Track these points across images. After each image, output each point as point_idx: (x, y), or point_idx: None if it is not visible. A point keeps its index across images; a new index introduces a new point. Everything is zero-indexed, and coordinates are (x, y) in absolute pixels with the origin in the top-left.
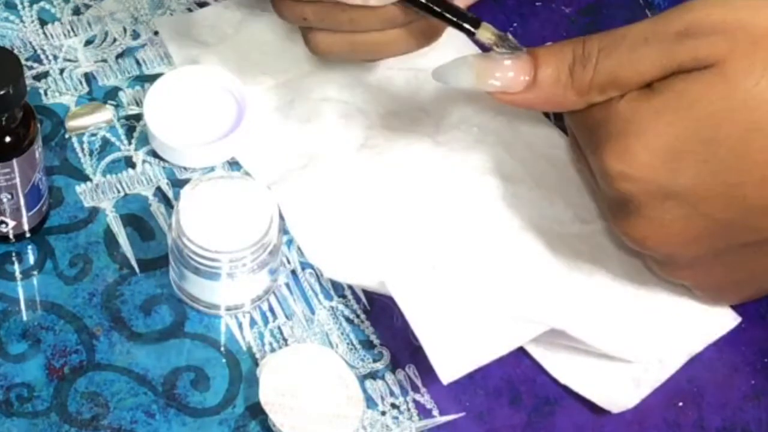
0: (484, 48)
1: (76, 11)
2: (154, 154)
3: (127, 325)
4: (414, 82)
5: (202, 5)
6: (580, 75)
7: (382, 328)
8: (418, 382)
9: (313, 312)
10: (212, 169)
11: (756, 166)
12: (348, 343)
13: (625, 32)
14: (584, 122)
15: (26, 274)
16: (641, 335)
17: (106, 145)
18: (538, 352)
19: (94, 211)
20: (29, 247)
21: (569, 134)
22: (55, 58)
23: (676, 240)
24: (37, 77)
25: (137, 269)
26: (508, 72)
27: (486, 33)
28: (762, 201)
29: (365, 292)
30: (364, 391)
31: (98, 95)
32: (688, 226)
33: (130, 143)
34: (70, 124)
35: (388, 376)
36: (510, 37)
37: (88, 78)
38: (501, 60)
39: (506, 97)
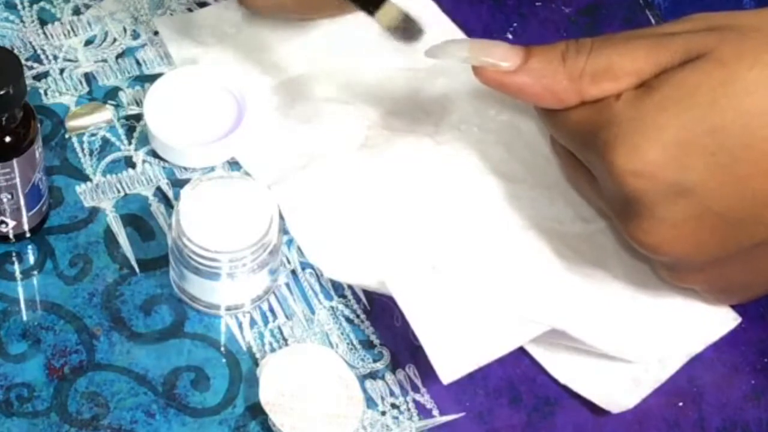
0: None
1: (76, 11)
2: (154, 154)
3: (127, 325)
4: (414, 82)
5: (202, 5)
6: (573, 60)
7: (382, 328)
8: (418, 382)
9: (313, 312)
10: (212, 169)
11: (763, 156)
12: (348, 343)
13: (618, 33)
14: (583, 127)
15: (26, 274)
16: (641, 335)
17: (106, 145)
18: (538, 352)
19: (94, 211)
20: (29, 247)
21: (558, 154)
22: (55, 58)
23: (690, 242)
24: (37, 77)
25: (137, 269)
26: (500, 50)
27: (385, 17)
28: None
29: (365, 292)
30: (364, 391)
31: (98, 95)
32: (701, 227)
33: (130, 143)
34: (70, 124)
35: (388, 376)
36: (416, 20)
37: (88, 78)
38: (494, 42)
39: (496, 76)
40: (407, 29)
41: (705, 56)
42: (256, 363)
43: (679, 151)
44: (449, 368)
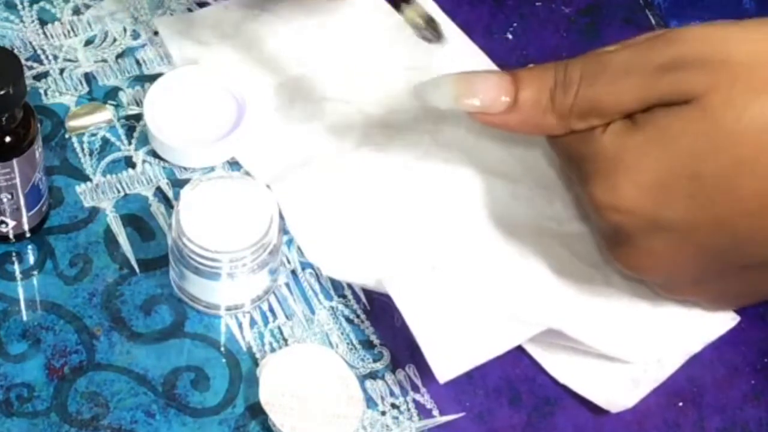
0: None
1: (76, 11)
2: (154, 154)
3: (127, 325)
4: (414, 82)
5: (202, 5)
6: (561, 100)
7: (382, 328)
8: (418, 382)
9: (313, 312)
10: (212, 169)
11: (743, 199)
12: (348, 343)
13: (607, 61)
14: (569, 152)
15: (26, 274)
16: (640, 335)
17: (106, 145)
18: (537, 352)
19: (94, 211)
20: (29, 247)
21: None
22: (55, 58)
23: (671, 267)
24: (37, 77)
25: (137, 269)
26: (488, 92)
27: (411, 13)
28: (753, 231)
29: (365, 291)
30: (364, 391)
31: (98, 95)
32: (681, 255)
33: (130, 143)
34: (70, 124)
35: (388, 376)
36: (437, 24)
37: (88, 78)
38: (481, 79)
39: (486, 118)
40: (431, 27)
41: (693, 102)
42: (256, 363)
43: (658, 192)
44: (446, 367)
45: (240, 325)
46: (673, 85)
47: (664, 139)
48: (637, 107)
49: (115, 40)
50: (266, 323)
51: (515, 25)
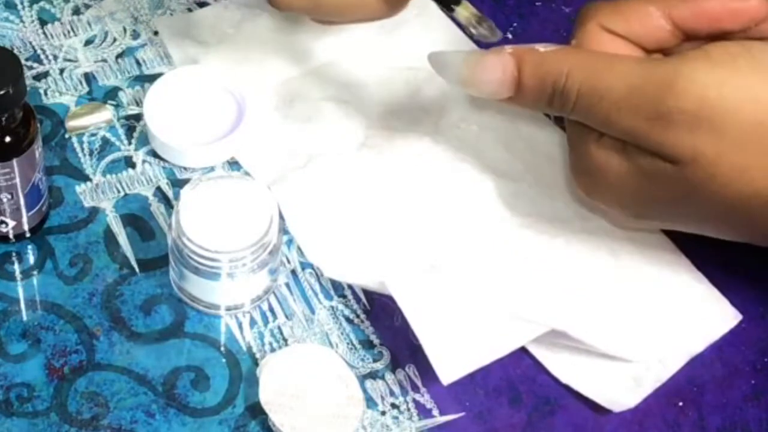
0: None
1: (76, 11)
2: (154, 154)
3: (127, 325)
4: (414, 82)
5: (202, 5)
6: (558, 106)
7: (382, 328)
8: (418, 382)
9: (313, 312)
10: (212, 169)
11: (721, 222)
12: (348, 343)
13: (604, 91)
14: (569, 134)
15: (26, 274)
16: (642, 335)
17: (106, 145)
18: (538, 352)
19: (94, 211)
20: (29, 247)
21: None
22: (55, 58)
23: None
24: (37, 77)
25: (137, 269)
26: (493, 78)
27: (464, 12)
28: (729, 231)
29: (365, 292)
30: (364, 391)
31: (98, 95)
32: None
33: (130, 143)
34: (70, 124)
35: (388, 376)
36: (488, 20)
37: (88, 78)
38: (485, 64)
39: (493, 98)
40: (484, 24)
41: (678, 166)
42: (256, 363)
43: (634, 204)
44: (449, 369)
45: (240, 325)
46: (661, 143)
47: (645, 182)
48: (627, 141)
49: (115, 40)
50: (266, 323)
51: (515, 25)
